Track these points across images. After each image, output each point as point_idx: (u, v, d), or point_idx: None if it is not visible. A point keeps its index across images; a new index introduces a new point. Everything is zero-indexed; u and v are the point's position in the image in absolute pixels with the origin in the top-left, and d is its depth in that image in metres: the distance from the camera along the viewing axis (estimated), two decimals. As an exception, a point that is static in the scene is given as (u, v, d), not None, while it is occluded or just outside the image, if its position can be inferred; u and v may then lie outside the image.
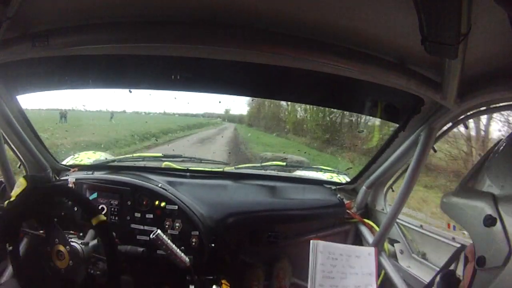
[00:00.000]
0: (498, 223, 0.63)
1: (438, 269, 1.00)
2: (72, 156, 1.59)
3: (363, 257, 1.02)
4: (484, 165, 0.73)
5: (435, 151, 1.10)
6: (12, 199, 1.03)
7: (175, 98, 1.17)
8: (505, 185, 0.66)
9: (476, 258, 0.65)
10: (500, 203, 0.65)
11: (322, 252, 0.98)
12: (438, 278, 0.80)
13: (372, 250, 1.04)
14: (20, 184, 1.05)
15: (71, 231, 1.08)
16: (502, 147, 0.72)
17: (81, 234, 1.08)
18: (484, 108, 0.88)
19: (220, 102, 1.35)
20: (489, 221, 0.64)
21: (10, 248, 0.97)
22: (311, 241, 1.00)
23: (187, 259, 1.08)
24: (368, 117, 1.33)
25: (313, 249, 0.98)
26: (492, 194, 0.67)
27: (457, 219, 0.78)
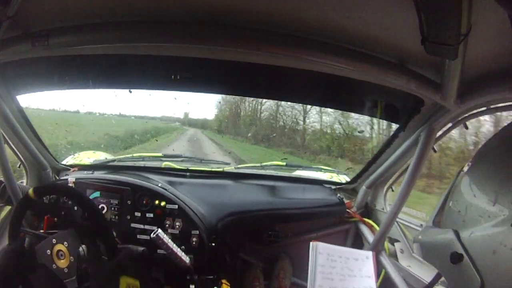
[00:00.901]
0: (466, 258, 0.65)
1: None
2: (72, 156, 1.60)
3: (361, 260, 1.03)
4: (447, 199, 0.75)
5: (435, 151, 1.11)
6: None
7: (130, 91, 1.08)
8: (466, 219, 0.68)
9: None
10: (463, 238, 0.66)
11: (322, 253, 0.99)
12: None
13: (370, 254, 1.05)
14: None
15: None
16: (462, 178, 0.73)
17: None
18: (484, 108, 0.88)
19: (175, 98, 1.28)
20: (456, 258, 0.66)
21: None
22: (310, 242, 1.00)
23: (187, 258, 1.08)
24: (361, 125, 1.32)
25: (312, 250, 0.98)
26: (455, 230, 0.69)
27: (426, 258, 0.80)
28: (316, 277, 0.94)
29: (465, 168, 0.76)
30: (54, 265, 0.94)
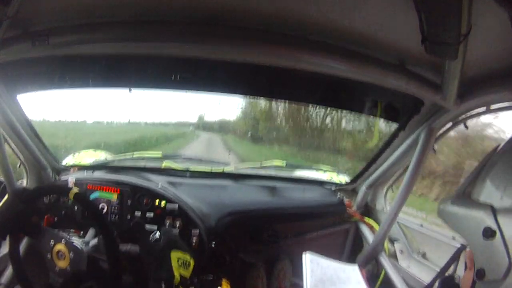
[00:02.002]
0: (498, 236, 0.63)
1: (438, 269, 1.00)
2: (72, 156, 1.59)
3: (347, 271, 1.04)
4: (481, 173, 0.72)
5: (434, 151, 1.11)
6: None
7: (130, 91, 1.06)
8: (504, 196, 0.65)
9: (475, 270, 0.65)
10: (499, 215, 0.64)
11: (312, 262, 1.01)
12: (437, 283, 0.80)
13: (355, 267, 1.06)
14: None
15: (71, 230, 1.08)
16: (500, 153, 0.70)
17: (81, 233, 1.08)
18: (484, 108, 0.89)
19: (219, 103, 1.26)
20: (489, 233, 0.64)
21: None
22: (303, 254, 1.02)
23: None
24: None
25: (305, 262, 1.01)
26: (491, 206, 0.67)
27: (456, 228, 0.77)
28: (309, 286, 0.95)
29: (504, 145, 0.71)
30: (49, 255, 0.95)
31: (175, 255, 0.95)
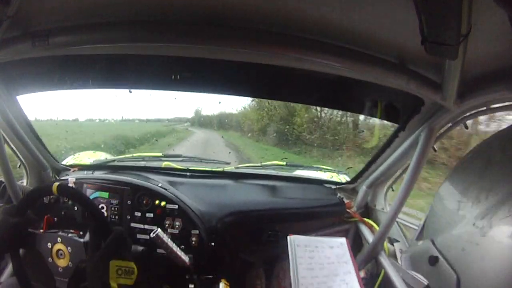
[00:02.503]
0: (441, 259, 0.76)
1: None
2: (72, 156, 1.60)
3: (336, 247, 1.08)
4: (427, 216, 0.89)
5: (435, 150, 1.11)
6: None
7: (130, 91, 1.09)
8: (439, 227, 0.81)
9: None
10: (437, 243, 0.78)
11: (299, 245, 1.04)
12: None
13: (343, 240, 1.10)
14: None
15: (71, 230, 1.08)
16: (440, 192, 0.87)
17: (81, 233, 1.08)
18: (484, 108, 0.89)
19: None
20: (432, 260, 0.78)
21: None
22: (288, 237, 1.05)
23: (187, 258, 1.08)
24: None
25: (291, 244, 1.03)
26: (431, 239, 0.82)
27: (413, 268, 0.94)
28: (298, 269, 0.97)
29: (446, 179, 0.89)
30: (50, 259, 0.95)
31: (114, 264, 0.90)
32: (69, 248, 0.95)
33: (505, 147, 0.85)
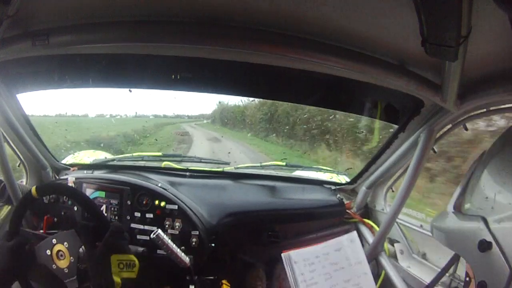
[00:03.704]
0: (495, 247, 0.62)
1: (438, 269, 1.00)
2: (72, 155, 1.59)
3: (344, 248, 0.96)
4: (469, 184, 0.72)
5: (435, 152, 1.11)
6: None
7: (130, 91, 1.09)
8: (495, 206, 0.65)
9: (476, 284, 0.64)
10: (492, 225, 0.64)
11: (297, 262, 0.94)
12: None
13: (353, 235, 0.97)
14: None
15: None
16: (485, 163, 0.69)
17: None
18: (484, 110, 0.89)
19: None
20: (485, 246, 0.63)
21: None
22: (282, 254, 0.97)
23: (187, 258, 1.08)
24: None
25: (286, 262, 0.94)
26: (483, 217, 0.66)
27: (450, 246, 0.77)
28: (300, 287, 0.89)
29: (487, 154, 0.71)
30: (54, 265, 0.94)
31: (115, 259, 0.89)
32: (65, 243, 0.94)
33: None
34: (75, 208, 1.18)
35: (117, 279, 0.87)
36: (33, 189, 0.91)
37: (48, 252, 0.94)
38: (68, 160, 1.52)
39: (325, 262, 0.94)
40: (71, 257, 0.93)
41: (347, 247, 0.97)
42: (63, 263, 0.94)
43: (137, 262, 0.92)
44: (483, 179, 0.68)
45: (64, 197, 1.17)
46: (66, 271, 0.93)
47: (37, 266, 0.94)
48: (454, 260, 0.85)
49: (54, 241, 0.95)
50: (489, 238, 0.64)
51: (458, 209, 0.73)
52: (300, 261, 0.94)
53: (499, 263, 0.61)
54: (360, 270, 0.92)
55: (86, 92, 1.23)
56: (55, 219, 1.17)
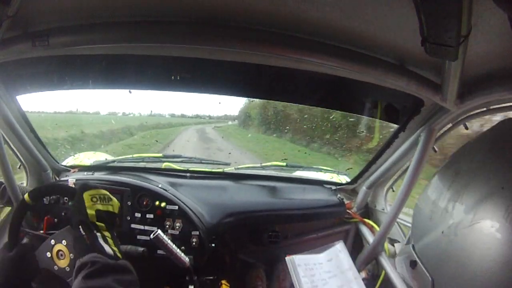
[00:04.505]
0: (419, 263, 0.85)
1: None
2: (72, 157, 1.59)
3: (335, 258, 1.05)
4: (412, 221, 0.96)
5: (435, 151, 1.11)
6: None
7: (130, 92, 1.10)
8: (416, 234, 0.90)
9: None
10: (417, 248, 0.88)
11: (300, 265, 1.01)
12: None
13: (340, 244, 1.07)
14: None
15: None
16: (420, 200, 0.96)
17: None
18: (484, 109, 0.89)
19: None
20: (413, 264, 0.87)
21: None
22: (286, 258, 1.03)
23: (186, 259, 1.08)
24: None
25: (291, 266, 1.01)
26: (412, 244, 0.92)
27: (401, 272, 1.03)
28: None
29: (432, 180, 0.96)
30: (55, 266, 0.94)
31: (87, 195, 0.89)
32: (63, 241, 0.94)
33: (472, 158, 0.88)
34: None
35: (91, 212, 0.87)
36: (26, 196, 0.91)
37: (48, 254, 0.94)
38: (68, 161, 1.52)
39: (321, 270, 1.02)
40: (71, 254, 0.93)
41: (336, 257, 1.06)
42: (63, 262, 0.94)
43: (113, 198, 0.92)
44: (415, 214, 0.97)
45: (65, 198, 1.17)
46: (68, 270, 0.93)
47: (39, 272, 0.93)
48: None
49: (52, 242, 0.94)
50: (415, 258, 0.88)
51: (408, 242, 1.02)
52: (302, 265, 1.01)
53: (423, 275, 0.82)
54: (351, 275, 1.01)
55: (99, 91, 1.24)
56: (55, 219, 1.17)
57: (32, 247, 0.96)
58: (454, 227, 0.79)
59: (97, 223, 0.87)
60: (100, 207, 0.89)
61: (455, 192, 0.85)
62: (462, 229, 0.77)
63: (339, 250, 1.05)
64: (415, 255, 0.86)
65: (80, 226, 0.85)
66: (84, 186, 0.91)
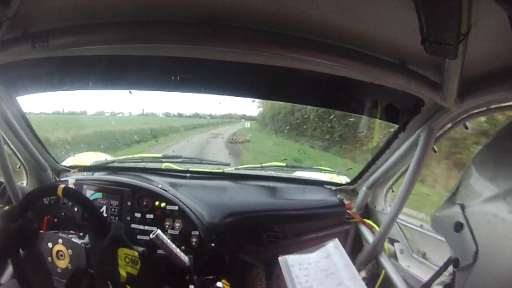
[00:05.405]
0: (466, 227, 0.72)
1: (438, 268, 1.00)
2: (72, 157, 1.60)
3: (332, 255, 1.01)
4: (463, 179, 0.81)
5: (435, 151, 1.11)
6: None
7: (130, 92, 1.11)
8: (471, 193, 0.75)
9: (452, 260, 0.74)
10: (467, 210, 0.74)
11: (293, 265, 0.98)
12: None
13: (335, 242, 1.03)
14: None
15: (71, 231, 1.08)
16: (477, 155, 0.79)
17: (81, 234, 1.08)
18: (484, 108, 0.88)
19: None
20: (458, 227, 0.74)
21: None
22: (279, 258, 1.01)
23: (186, 258, 1.08)
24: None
25: (284, 266, 0.98)
26: (461, 204, 0.76)
27: (439, 231, 0.87)
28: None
29: (478, 152, 0.79)
30: (50, 258, 0.95)
31: (122, 252, 0.91)
32: (69, 250, 0.95)
33: None
34: (75, 209, 1.18)
35: (122, 273, 0.88)
36: (60, 188, 0.91)
37: (50, 245, 0.96)
38: (68, 162, 1.52)
39: (317, 269, 0.98)
40: (69, 264, 0.95)
41: (333, 254, 1.01)
42: (60, 263, 0.96)
43: (139, 260, 0.94)
44: (470, 172, 0.78)
45: (54, 196, 1.17)
46: (59, 271, 0.95)
47: (34, 252, 0.95)
48: (452, 261, 0.90)
49: (60, 240, 0.96)
50: (462, 220, 0.74)
51: (453, 201, 0.83)
52: (296, 265, 0.98)
53: (468, 241, 0.70)
54: (349, 273, 0.96)
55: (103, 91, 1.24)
56: (56, 219, 1.17)
57: (37, 226, 0.98)
58: None
59: (127, 286, 0.88)
60: (130, 269, 0.90)
61: None
62: None
63: (334, 248, 1.02)
64: (462, 217, 0.73)
65: (109, 283, 0.86)
66: (119, 240, 0.91)
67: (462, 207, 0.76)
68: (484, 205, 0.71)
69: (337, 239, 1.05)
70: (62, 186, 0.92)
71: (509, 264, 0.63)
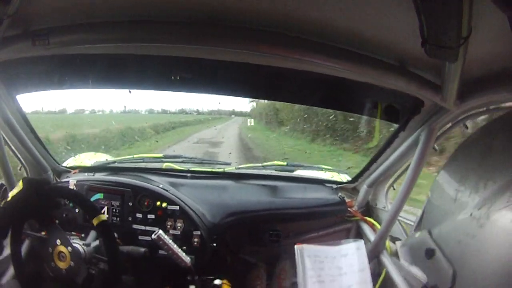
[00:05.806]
0: (438, 252, 0.72)
1: None
2: (72, 158, 1.59)
3: (350, 255, 0.97)
4: (427, 203, 0.87)
5: (435, 150, 1.11)
6: (9, 199, 1.03)
7: (129, 92, 1.12)
8: (437, 217, 0.77)
9: None
10: (434, 234, 0.74)
11: (309, 256, 0.95)
12: None
13: (360, 243, 0.99)
14: (18, 186, 1.05)
15: (72, 232, 1.08)
16: (438, 180, 0.83)
17: (82, 235, 1.08)
18: (483, 109, 0.89)
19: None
20: (430, 253, 0.74)
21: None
22: (295, 246, 0.97)
23: (188, 258, 1.08)
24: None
25: (299, 254, 0.94)
26: (428, 229, 0.77)
27: (410, 261, 0.89)
28: (307, 283, 0.89)
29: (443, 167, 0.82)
30: (53, 263, 0.96)
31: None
32: (68, 248, 0.95)
33: (508, 133, 0.80)
34: (77, 210, 1.18)
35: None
36: (98, 219, 0.95)
37: (50, 250, 0.96)
38: (69, 162, 1.51)
39: (332, 265, 0.94)
40: (72, 262, 0.95)
41: (353, 254, 0.98)
42: (62, 264, 0.96)
43: None
44: (433, 194, 0.82)
45: (65, 199, 1.18)
46: (64, 272, 0.96)
47: (37, 259, 0.99)
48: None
49: (58, 241, 0.96)
50: (433, 245, 0.74)
51: (419, 227, 0.88)
52: (312, 256, 0.95)
53: (443, 265, 0.70)
54: (362, 277, 0.94)
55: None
56: (57, 221, 1.17)
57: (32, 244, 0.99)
58: (487, 209, 0.67)
59: None
60: None
61: (488, 169, 0.74)
62: (495, 211, 0.66)
63: (356, 248, 0.98)
64: (432, 242, 0.73)
65: None
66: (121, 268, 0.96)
67: (429, 233, 0.77)
68: (452, 225, 0.71)
69: (362, 241, 1.02)
70: (102, 217, 0.96)
71: (489, 279, 0.62)
